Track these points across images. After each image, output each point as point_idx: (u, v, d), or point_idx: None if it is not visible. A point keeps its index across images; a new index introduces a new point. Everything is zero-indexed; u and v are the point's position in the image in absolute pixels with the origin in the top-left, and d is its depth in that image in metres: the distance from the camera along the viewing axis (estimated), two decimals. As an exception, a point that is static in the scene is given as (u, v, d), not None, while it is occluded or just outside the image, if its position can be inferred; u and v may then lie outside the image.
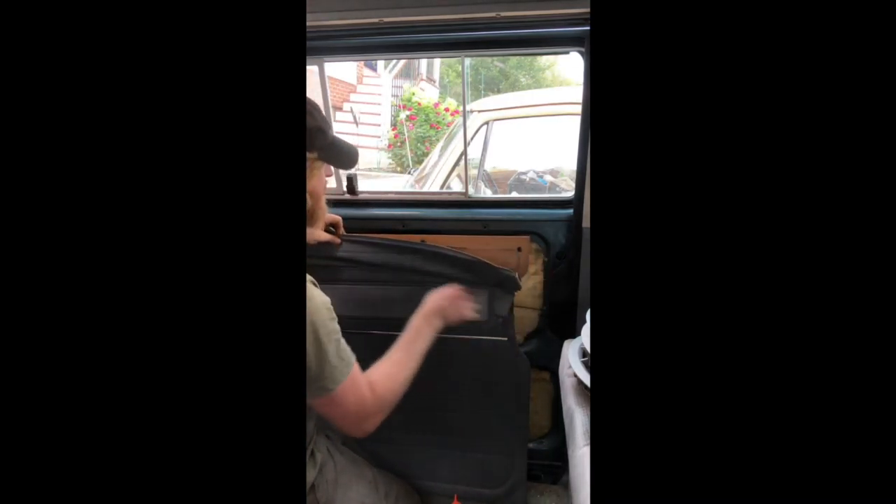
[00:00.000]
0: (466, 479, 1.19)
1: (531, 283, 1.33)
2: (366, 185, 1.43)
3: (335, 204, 1.39)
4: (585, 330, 0.88)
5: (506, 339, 1.11)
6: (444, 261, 1.12)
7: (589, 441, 0.71)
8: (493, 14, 1.01)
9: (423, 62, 8.36)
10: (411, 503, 1.05)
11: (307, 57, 1.23)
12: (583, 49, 1.12)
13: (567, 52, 1.20)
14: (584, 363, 0.85)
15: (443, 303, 0.92)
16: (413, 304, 1.06)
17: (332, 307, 0.71)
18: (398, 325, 0.91)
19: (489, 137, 2.14)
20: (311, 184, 0.80)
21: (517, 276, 1.11)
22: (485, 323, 1.10)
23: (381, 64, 7.72)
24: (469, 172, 1.50)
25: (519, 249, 1.19)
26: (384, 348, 0.86)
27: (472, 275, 1.10)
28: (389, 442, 1.20)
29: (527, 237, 1.21)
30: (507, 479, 1.17)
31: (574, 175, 1.22)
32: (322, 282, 0.75)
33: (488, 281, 1.10)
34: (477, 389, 1.15)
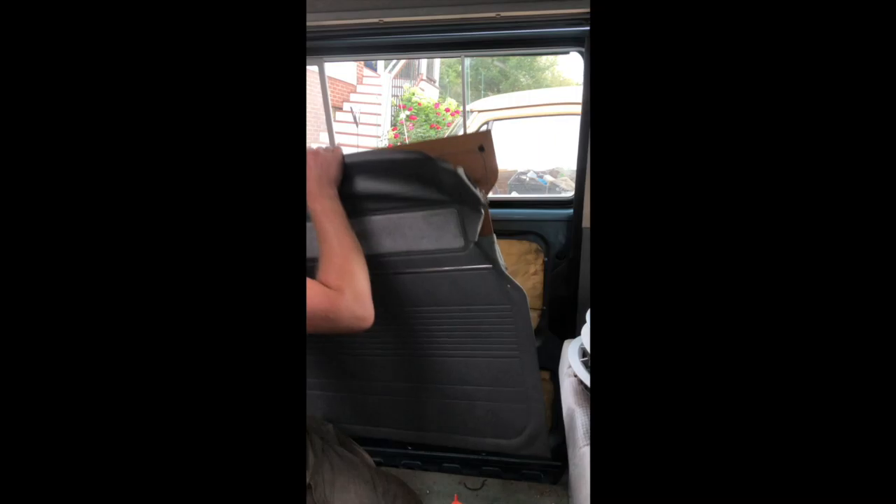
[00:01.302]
0: (478, 430, 1.04)
1: (531, 283, 1.33)
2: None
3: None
4: (585, 330, 0.88)
5: (490, 266, 0.89)
6: (387, 172, 0.87)
7: (589, 441, 0.71)
8: (493, 14, 1.01)
9: (423, 62, 8.35)
10: (411, 501, 1.05)
11: (307, 57, 1.23)
12: (583, 49, 1.12)
13: (567, 52, 1.20)
14: (584, 363, 0.85)
15: (314, 173, 0.81)
16: (367, 237, 0.89)
17: None
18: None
19: (489, 137, 2.14)
20: None
21: (466, 178, 0.84)
22: (461, 251, 0.89)
23: (381, 64, 7.72)
24: (469, 172, 1.50)
25: (481, 149, 0.86)
26: None
27: (428, 189, 0.86)
28: (388, 392, 1.08)
29: (487, 132, 1.00)
30: (523, 427, 1.01)
31: (574, 175, 1.22)
32: None
33: (453, 196, 0.86)
34: (470, 329, 0.96)
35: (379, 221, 0.91)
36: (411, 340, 1.01)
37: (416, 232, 0.90)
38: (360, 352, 1.06)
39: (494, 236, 0.89)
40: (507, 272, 0.89)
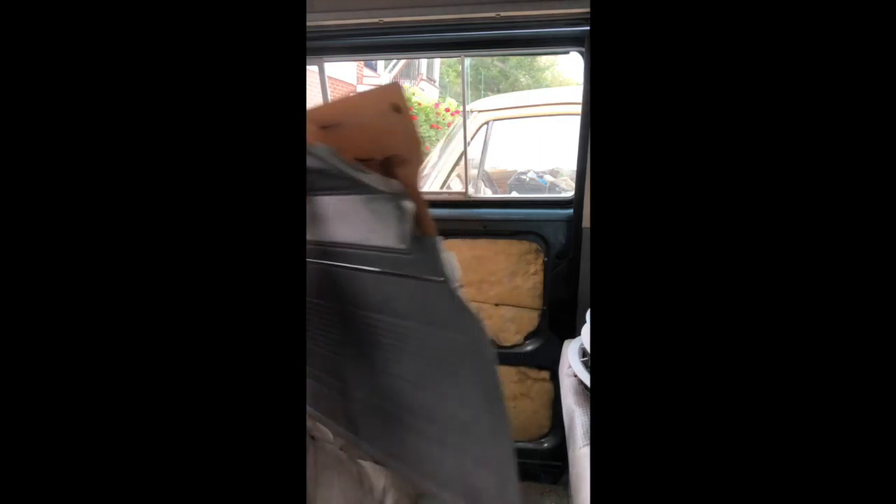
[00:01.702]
0: (450, 485, 0.81)
1: (531, 283, 1.33)
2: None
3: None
4: (585, 330, 0.88)
5: (442, 279, 0.65)
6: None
7: (589, 441, 0.71)
8: (493, 14, 1.01)
9: (423, 62, 8.36)
10: (403, 496, 1.03)
11: (307, 57, 1.23)
12: (583, 49, 1.12)
13: (567, 52, 1.20)
14: (584, 363, 0.85)
15: None
16: (319, 221, 0.74)
17: None
18: None
19: (489, 137, 2.14)
20: None
21: (340, 161, 0.58)
22: (406, 252, 0.66)
23: (381, 64, 7.72)
24: (469, 172, 1.50)
25: (397, 109, 0.58)
26: None
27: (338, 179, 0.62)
28: (345, 394, 0.91)
29: (396, 84, 0.65)
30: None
31: (574, 175, 1.23)
32: None
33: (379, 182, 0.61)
34: (427, 354, 0.75)
35: (330, 203, 0.73)
36: (367, 351, 0.83)
37: (363, 222, 0.70)
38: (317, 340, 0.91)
39: (440, 240, 0.64)
40: (459, 294, 0.65)
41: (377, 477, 0.96)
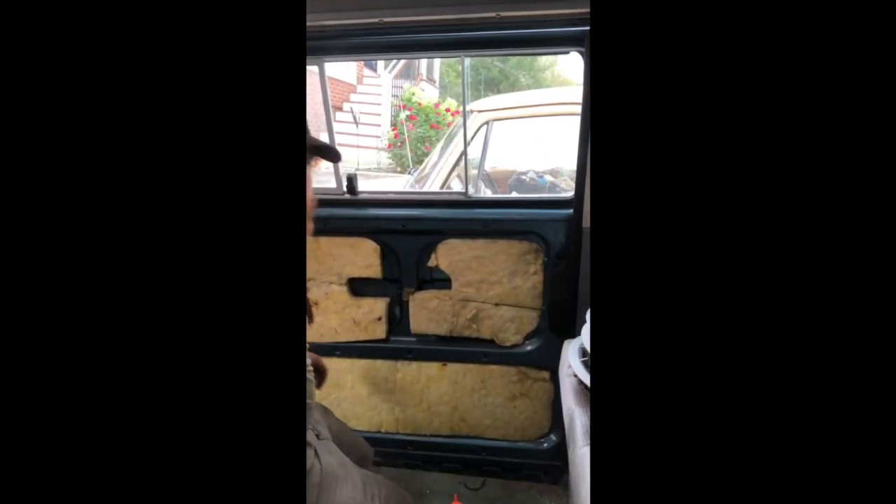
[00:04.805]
0: None
1: (531, 283, 1.33)
2: (366, 185, 1.43)
3: (335, 204, 1.39)
4: (585, 330, 0.88)
5: None
6: None
7: (589, 441, 0.71)
8: (493, 14, 1.01)
9: (423, 62, 8.35)
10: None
11: (307, 57, 1.23)
12: (583, 49, 1.12)
13: (567, 52, 1.21)
14: (584, 363, 0.85)
15: None
16: None
17: None
18: None
19: (489, 137, 2.14)
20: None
21: None
22: None
23: (381, 64, 7.72)
24: (469, 172, 1.51)
25: None
26: None
27: None
28: None
29: None
30: None
31: (574, 175, 1.23)
32: None
33: None
34: None
35: None
36: None
37: None
38: None
39: None
40: None
41: (379, 486, 0.96)
